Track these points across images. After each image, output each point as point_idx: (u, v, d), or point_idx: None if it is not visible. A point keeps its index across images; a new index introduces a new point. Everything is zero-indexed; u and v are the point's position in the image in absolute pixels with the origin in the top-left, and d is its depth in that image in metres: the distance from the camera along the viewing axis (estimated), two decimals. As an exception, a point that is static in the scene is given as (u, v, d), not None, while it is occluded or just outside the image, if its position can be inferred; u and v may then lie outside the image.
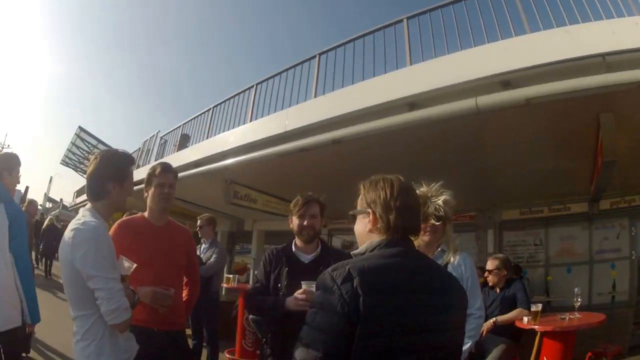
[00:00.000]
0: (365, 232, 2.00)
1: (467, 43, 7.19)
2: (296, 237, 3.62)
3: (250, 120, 10.67)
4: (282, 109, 9.79)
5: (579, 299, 6.29)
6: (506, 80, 6.46)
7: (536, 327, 5.64)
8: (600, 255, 11.07)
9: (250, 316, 8.67)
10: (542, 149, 7.97)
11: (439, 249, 3.51)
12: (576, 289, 6.41)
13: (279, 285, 3.46)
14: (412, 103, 7.14)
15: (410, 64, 7.64)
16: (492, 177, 9.67)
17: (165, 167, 3.73)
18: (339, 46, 8.87)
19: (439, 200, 3.26)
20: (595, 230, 11.26)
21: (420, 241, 3.17)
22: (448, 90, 6.77)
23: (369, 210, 1.97)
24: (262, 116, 10.58)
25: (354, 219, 2.08)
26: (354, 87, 8.25)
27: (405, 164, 8.54)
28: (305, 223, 3.53)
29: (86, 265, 2.56)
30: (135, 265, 2.93)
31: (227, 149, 10.45)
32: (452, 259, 3.50)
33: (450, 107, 6.66)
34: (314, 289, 2.64)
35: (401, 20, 8.02)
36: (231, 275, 8.85)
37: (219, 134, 12.25)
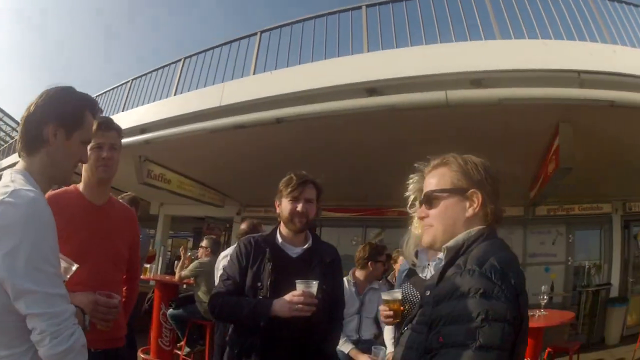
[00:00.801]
0: (462, 217, 1.71)
1: (433, 38, 7.12)
2: (283, 225, 3.01)
3: (175, 95, 9.59)
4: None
5: (545, 297, 6.53)
6: (477, 80, 6.37)
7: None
8: (533, 258, 11.86)
9: (169, 311, 7.61)
10: (489, 150, 7.59)
11: None
12: (543, 287, 6.67)
13: (259, 284, 2.85)
14: (371, 89, 6.69)
15: (368, 51, 7.24)
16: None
17: (105, 122, 2.70)
18: (284, 25, 8.14)
19: None
20: (531, 235, 12.07)
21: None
22: (416, 81, 6.50)
23: (475, 191, 1.71)
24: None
25: (434, 199, 1.77)
26: (307, 65, 7.62)
27: (353, 153, 8.44)
28: (298, 208, 2.91)
29: (14, 273, 1.55)
30: (76, 266, 2.02)
31: (146, 122, 9.21)
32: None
33: (420, 97, 6.45)
34: (313, 290, 2.59)
35: (359, 7, 7.60)
36: (147, 265, 8.10)
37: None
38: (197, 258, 7.80)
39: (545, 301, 6.54)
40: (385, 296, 2.89)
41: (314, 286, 2.63)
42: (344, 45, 7.45)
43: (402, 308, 2.81)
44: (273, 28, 8.21)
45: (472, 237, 1.65)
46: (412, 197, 2.64)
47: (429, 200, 1.77)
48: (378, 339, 4.77)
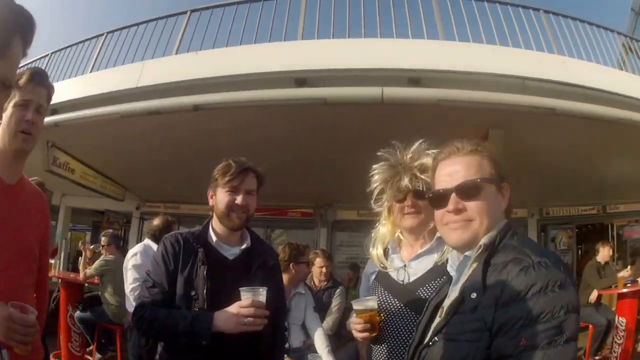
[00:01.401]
0: (498, 210, 1.59)
1: (373, 33, 6.78)
2: (217, 220, 2.52)
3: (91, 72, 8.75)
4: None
5: None
6: (416, 78, 6.13)
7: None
8: None
9: (77, 314, 6.85)
10: None
11: (435, 237, 2.32)
12: None
13: (193, 293, 2.37)
14: (301, 79, 6.21)
15: (302, 40, 6.82)
16: (337, 173, 8.97)
17: (38, 73, 2.03)
18: (216, 7, 7.51)
19: (416, 167, 2.32)
20: None
21: (401, 227, 2.39)
22: (351, 75, 6.14)
23: (506, 183, 1.64)
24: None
25: (475, 189, 1.56)
26: (232, 49, 7.07)
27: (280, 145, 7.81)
28: (238, 201, 2.45)
29: None
30: None
31: (58, 102, 7.97)
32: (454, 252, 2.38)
33: (354, 92, 6.14)
34: (262, 299, 2.24)
35: None
36: (52, 260, 7.23)
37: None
38: (101, 254, 7.22)
39: None
40: (357, 306, 2.31)
41: (262, 294, 2.26)
42: (279, 32, 6.97)
43: (378, 318, 2.28)
44: (205, 8, 7.62)
45: (502, 231, 1.52)
46: (377, 190, 2.38)
47: (471, 190, 1.55)
48: (307, 346, 4.52)
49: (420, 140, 2.39)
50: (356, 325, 2.26)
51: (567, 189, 11.61)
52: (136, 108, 7.06)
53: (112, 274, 6.46)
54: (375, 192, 2.39)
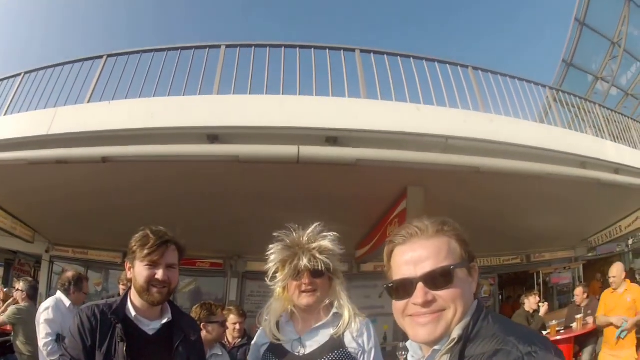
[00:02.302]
0: (470, 294, 1.43)
1: (292, 89, 6.56)
2: (136, 294, 2.37)
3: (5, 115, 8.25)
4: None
5: (403, 353, 5.88)
6: (333, 137, 6.02)
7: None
8: (360, 311, 12.03)
9: None
10: (332, 209, 7.48)
11: (332, 313, 2.49)
12: (401, 344, 6.12)
13: None
14: (213, 135, 5.99)
15: (218, 94, 6.54)
16: (248, 226, 8.86)
17: None
18: (133, 53, 7.19)
19: (315, 249, 2.40)
20: (355, 289, 11.66)
21: (298, 304, 2.45)
22: (265, 132, 5.99)
23: (474, 264, 1.49)
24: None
25: (448, 277, 1.39)
26: (145, 101, 6.70)
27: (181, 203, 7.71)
28: (158, 276, 2.30)
29: None
30: None
31: None
32: (353, 325, 2.48)
33: (269, 150, 5.95)
34: None
35: (219, 46, 6.87)
36: None
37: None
38: (10, 296, 7.06)
39: (404, 357, 5.96)
40: None
41: None
42: (195, 83, 6.66)
43: None
44: (122, 53, 7.29)
45: (474, 315, 1.37)
46: (273, 269, 2.45)
47: (442, 278, 1.38)
48: None
49: (317, 224, 2.47)
50: None
51: (489, 241, 11.70)
52: (45, 156, 6.68)
53: (24, 323, 6.14)
54: (271, 271, 2.44)
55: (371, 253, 9.26)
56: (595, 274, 17.97)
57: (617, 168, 8.94)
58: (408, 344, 1.61)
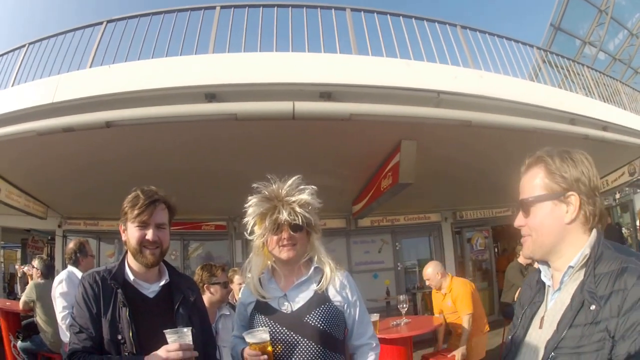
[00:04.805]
0: (560, 225, 1.57)
1: (285, 47, 6.67)
2: (132, 257, 2.41)
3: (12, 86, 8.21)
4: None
5: (404, 305, 6.46)
6: (327, 92, 6.07)
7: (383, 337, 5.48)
8: (360, 266, 12.66)
9: (19, 343, 6.70)
10: (327, 164, 8.03)
11: (312, 268, 2.54)
12: (401, 297, 6.61)
13: (120, 337, 2.21)
14: (211, 94, 6.03)
15: (213, 53, 6.58)
16: (249, 186, 8.94)
17: None
18: (132, 17, 7.24)
19: (295, 202, 2.44)
20: (354, 244, 12.84)
21: (277, 259, 2.51)
22: (261, 89, 6.03)
23: (572, 193, 1.57)
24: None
25: (527, 208, 1.63)
26: (142, 62, 6.68)
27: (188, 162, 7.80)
28: (148, 237, 2.34)
29: None
30: None
31: None
32: (336, 279, 2.55)
33: (265, 107, 6.02)
34: (189, 340, 2.16)
35: (213, 7, 6.91)
36: None
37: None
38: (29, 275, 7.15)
39: (405, 309, 6.48)
40: (250, 338, 2.30)
41: (188, 335, 2.18)
42: (191, 44, 6.72)
43: (271, 349, 2.30)
44: (120, 19, 7.30)
45: (593, 246, 1.53)
46: (251, 223, 2.48)
47: (524, 208, 1.64)
48: None
49: (297, 176, 2.51)
50: (252, 358, 2.26)
51: (481, 194, 12.08)
52: (52, 125, 6.69)
53: (42, 299, 6.28)
54: (250, 225, 2.47)
55: (367, 207, 9.36)
56: (584, 227, 18.41)
57: (605, 125, 9.10)
58: (539, 264, 1.78)
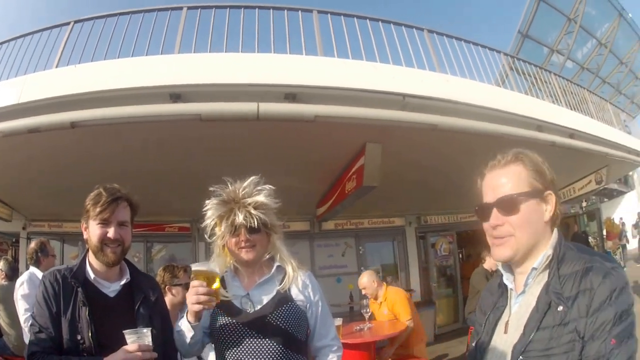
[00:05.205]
0: (541, 223, 1.60)
1: (251, 48, 6.70)
2: (93, 255, 2.38)
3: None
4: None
5: (367, 310, 6.52)
6: (292, 94, 6.06)
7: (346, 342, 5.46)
8: (324, 270, 12.43)
9: None
10: (291, 166, 7.98)
11: (274, 267, 2.55)
12: (364, 301, 6.67)
13: (79, 337, 2.18)
14: (176, 94, 5.99)
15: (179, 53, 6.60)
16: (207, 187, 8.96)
17: None
18: (98, 17, 7.21)
19: (251, 204, 2.43)
20: (318, 248, 12.68)
21: (237, 260, 2.52)
22: (226, 90, 6.01)
23: (550, 192, 1.62)
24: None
25: (512, 204, 1.59)
26: (108, 62, 6.62)
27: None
28: (110, 234, 2.33)
29: None
30: None
31: None
32: (298, 279, 2.54)
33: (230, 108, 6.00)
34: (148, 341, 2.12)
35: (180, 8, 6.92)
36: None
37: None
38: None
39: (368, 314, 6.47)
40: (198, 267, 2.29)
41: (147, 336, 2.14)
42: (157, 45, 6.72)
43: (219, 286, 2.28)
44: (87, 19, 7.26)
45: (555, 247, 1.57)
46: (211, 225, 2.48)
47: (508, 205, 1.59)
48: None
49: (253, 177, 2.52)
50: (199, 289, 2.19)
51: (446, 199, 12.10)
52: (17, 126, 6.63)
53: (5, 302, 6.08)
54: (210, 227, 2.48)
55: (331, 210, 9.33)
56: (552, 232, 18.71)
57: (572, 133, 9.24)
58: (500, 267, 1.76)
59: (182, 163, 7.42)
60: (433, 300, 13.05)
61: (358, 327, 6.29)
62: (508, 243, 1.60)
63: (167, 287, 4.32)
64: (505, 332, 1.62)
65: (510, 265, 1.70)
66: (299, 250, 12.08)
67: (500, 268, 1.76)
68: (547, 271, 1.54)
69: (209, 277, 2.23)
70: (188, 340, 2.32)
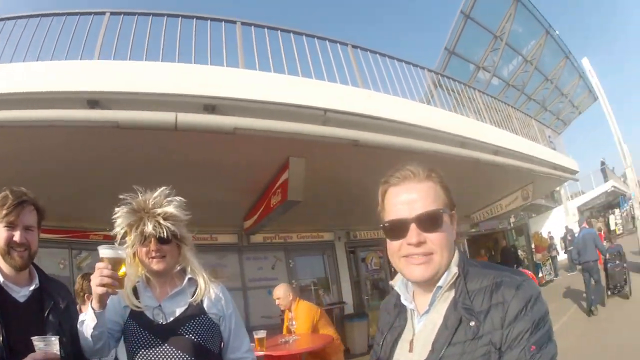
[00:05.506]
0: (452, 240, 1.55)
1: (172, 58, 6.63)
2: (1, 258, 2.30)
3: None
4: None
5: (293, 323, 6.41)
6: (211, 105, 6.07)
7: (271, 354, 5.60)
8: (254, 282, 12.55)
9: None
10: (213, 178, 7.96)
11: (186, 279, 2.55)
12: (291, 314, 6.55)
13: None
14: (93, 101, 5.86)
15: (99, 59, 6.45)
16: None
17: None
18: (19, 17, 6.91)
19: (160, 215, 2.43)
20: (247, 261, 12.69)
21: (148, 270, 2.51)
22: (145, 99, 5.93)
23: (454, 212, 1.60)
24: None
25: (436, 220, 1.51)
26: (25, 65, 6.42)
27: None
28: (16, 238, 2.26)
29: None
30: None
31: None
32: (211, 291, 2.56)
33: (148, 117, 5.93)
34: (55, 349, 2.05)
35: (103, 13, 6.76)
36: None
37: None
38: None
39: (294, 326, 6.39)
40: (106, 250, 2.23)
41: (55, 344, 2.07)
42: (77, 49, 6.55)
43: (124, 273, 2.26)
44: (7, 18, 6.95)
45: (459, 264, 1.53)
46: (120, 234, 2.45)
47: (432, 221, 1.49)
48: None
49: (163, 188, 2.51)
50: (103, 270, 2.17)
51: (373, 214, 12.29)
52: None
53: None
54: (119, 235, 2.45)
55: (258, 223, 9.30)
56: (479, 250, 19.35)
57: (497, 150, 9.53)
58: (397, 287, 1.69)
59: (103, 171, 7.26)
60: (366, 312, 13.19)
61: (283, 339, 6.29)
62: (431, 262, 1.50)
63: (86, 295, 4.26)
64: (411, 350, 1.56)
65: (407, 283, 1.67)
66: (228, 263, 12.22)
67: (396, 288, 1.70)
68: (454, 289, 1.50)
69: (115, 262, 2.22)
70: (91, 331, 2.25)
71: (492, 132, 9.97)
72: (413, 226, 1.49)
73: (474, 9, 15.16)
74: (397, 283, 1.70)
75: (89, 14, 6.76)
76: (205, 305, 2.50)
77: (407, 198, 1.54)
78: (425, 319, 1.56)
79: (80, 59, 6.37)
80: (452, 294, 1.50)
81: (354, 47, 7.80)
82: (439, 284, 1.51)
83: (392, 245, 1.57)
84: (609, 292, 12.72)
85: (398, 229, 1.53)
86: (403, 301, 1.65)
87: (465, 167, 9.01)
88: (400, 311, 1.69)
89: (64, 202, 7.91)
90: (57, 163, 6.93)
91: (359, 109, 6.97)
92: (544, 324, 1.38)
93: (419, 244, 1.49)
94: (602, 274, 12.56)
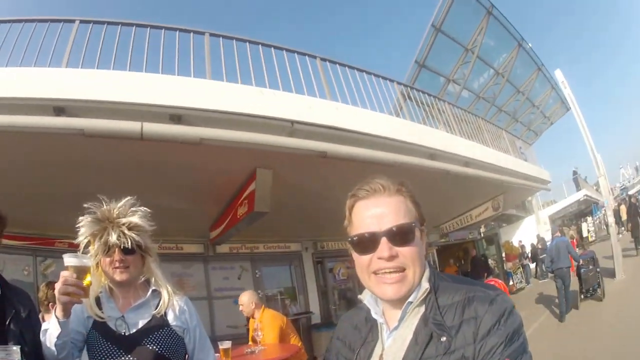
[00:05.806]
0: (423, 254, 1.52)
1: (139, 68, 6.61)
2: None
3: None
4: None
5: (259, 333, 6.35)
6: (177, 115, 6.10)
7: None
8: (220, 292, 12.55)
9: None
10: (180, 187, 8.00)
11: (150, 291, 2.54)
12: (256, 324, 6.49)
13: None
14: (60, 108, 5.86)
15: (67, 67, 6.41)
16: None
17: None
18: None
19: (125, 225, 2.42)
20: (213, 270, 12.71)
21: (111, 281, 2.47)
22: (112, 107, 5.94)
23: (424, 227, 1.58)
24: None
25: (409, 234, 1.48)
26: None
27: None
28: None
29: None
30: None
31: None
32: (175, 303, 2.56)
33: (113, 125, 5.95)
34: (16, 358, 2.07)
35: (73, 21, 6.75)
36: None
37: None
38: None
39: (260, 337, 6.35)
40: (71, 258, 2.19)
41: (17, 354, 2.11)
42: (46, 56, 6.48)
43: (89, 282, 2.24)
44: None
45: (431, 272, 1.53)
46: (84, 243, 2.41)
47: (404, 235, 1.46)
48: None
49: (128, 197, 2.49)
50: (68, 279, 2.15)
51: (340, 226, 12.43)
52: None
53: None
54: (83, 245, 2.41)
55: (224, 234, 9.30)
56: (448, 259, 19.58)
57: (467, 161, 9.63)
58: (366, 301, 1.64)
59: (67, 179, 7.23)
60: (333, 322, 13.03)
61: (249, 350, 6.24)
62: (405, 280, 1.46)
63: (50, 304, 4.26)
64: None
65: (376, 298, 1.61)
66: (194, 273, 12.23)
67: (365, 302, 1.65)
68: (424, 304, 1.47)
69: (80, 271, 2.20)
70: (55, 340, 2.20)
71: (462, 144, 10.05)
72: (384, 240, 1.45)
73: (445, 22, 15.30)
74: (366, 297, 1.65)
75: (59, 21, 6.74)
76: (169, 317, 2.49)
77: (377, 212, 1.50)
78: (395, 334, 1.52)
79: (49, 66, 6.35)
80: (422, 309, 1.47)
81: (322, 59, 7.90)
82: (410, 299, 1.48)
83: (361, 260, 1.52)
84: (582, 296, 12.94)
85: (368, 243, 1.48)
86: (373, 315, 1.61)
87: (435, 178, 9.14)
88: (373, 325, 1.63)
89: (28, 209, 7.90)
90: (21, 170, 6.88)
91: (326, 121, 7.02)
92: (518, 336, 1.34)
93: (391, 257, 1.44)
94: (574, 279, 12.80)
